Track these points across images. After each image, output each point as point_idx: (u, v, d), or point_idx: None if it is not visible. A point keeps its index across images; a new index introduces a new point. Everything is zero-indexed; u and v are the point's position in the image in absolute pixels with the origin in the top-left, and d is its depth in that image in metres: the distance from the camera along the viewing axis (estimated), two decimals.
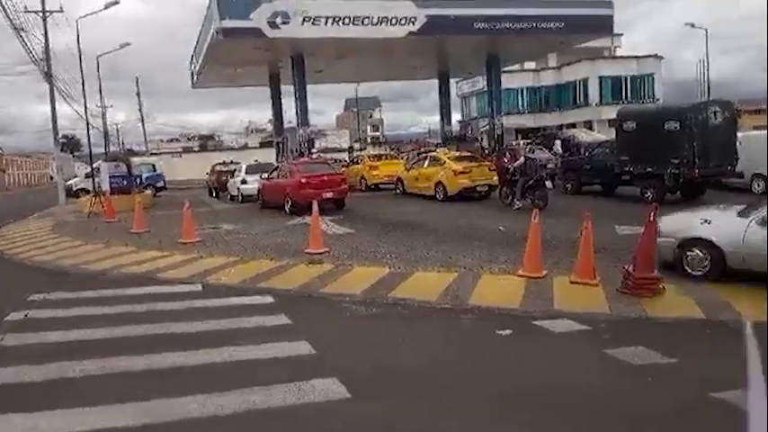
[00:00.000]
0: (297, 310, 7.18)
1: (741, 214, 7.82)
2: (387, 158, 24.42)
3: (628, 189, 18.17)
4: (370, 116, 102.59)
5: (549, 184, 15.97)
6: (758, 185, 17.70)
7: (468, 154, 20.54)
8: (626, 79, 43.94)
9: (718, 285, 7.46)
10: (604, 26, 26.65)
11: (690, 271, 7.85)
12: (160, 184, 29.14)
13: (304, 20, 22.17)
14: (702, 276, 7.72)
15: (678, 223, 8.37)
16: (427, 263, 9.39)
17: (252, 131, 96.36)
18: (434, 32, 24.01)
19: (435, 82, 34.25)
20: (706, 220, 8.03)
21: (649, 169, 16.26)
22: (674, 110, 15.85)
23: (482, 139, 30.06)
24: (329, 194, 16.67)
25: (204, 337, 6.14)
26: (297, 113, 26.37)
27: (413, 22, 23.51)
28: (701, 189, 16.42)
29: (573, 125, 42.94)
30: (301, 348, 5.65)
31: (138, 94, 52.69)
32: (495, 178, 18.03)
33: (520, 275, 8.26)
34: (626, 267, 7.40)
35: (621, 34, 48.87)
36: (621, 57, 45.41)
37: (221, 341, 5.91)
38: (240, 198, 21.49)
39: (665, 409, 4.26)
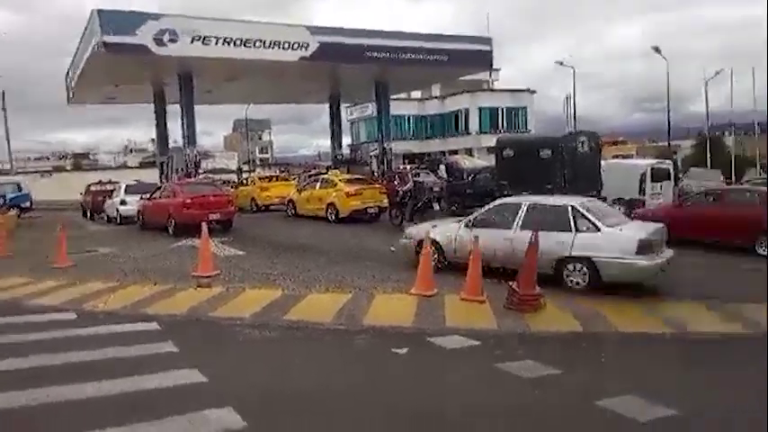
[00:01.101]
0: (185, 336, 6.85)
1: (461, 222, 10.60)
2: (278, 180, 24.11)
3: None
4: (260, 138, 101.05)
5: (436, 206, 16.60)
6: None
7: (360, 177, 20.85)
8: (502, 110, 46.92)
9: (594, 300, 8.14)
10: (484, 61, 28.42)
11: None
12: (26, 205, 26.59)
13: (193, 39, 21.54)
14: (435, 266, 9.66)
15: (417, 229, 11.29)
16: (320, 284, 9.37)
17: (131, 151, 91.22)
18: (326, 59, 24.31)
19: (326, 106, 34.56)
20: (434, 226, 11.02)
21: (525, 193, 17.38)
22: (547, 139, 17.18)
23: (372, 162, 30.64)
24: (216, 215, 16.12)
25: (84, 369, 5.66)
26: (183, 133, 25.39)
27: (305, 48, 23.66)
28: None
29: (455, 152, 45.04)
30: (193, 377, 5.37)
31: (3, 109, 47.93)
32: (386, 201, 18.45)
33: (412, 294, 8.48)
34: (511, 285, 7.85)
35: (499, 69, 52.13)
36: (498, 90, 48.46)
37: (104, 372, 5.47)
38: (119, 219, 20.16)
39: (555, 420, 4.54)
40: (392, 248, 13.01)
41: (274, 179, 24.48)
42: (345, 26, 25.31)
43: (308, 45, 23.76)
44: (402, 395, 5.08)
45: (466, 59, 27.67)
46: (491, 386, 5.31)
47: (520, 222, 9.47)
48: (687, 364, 6.03)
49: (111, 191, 22.35)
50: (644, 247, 8.47)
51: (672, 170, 20.15)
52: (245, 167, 57.11)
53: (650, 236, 8.78)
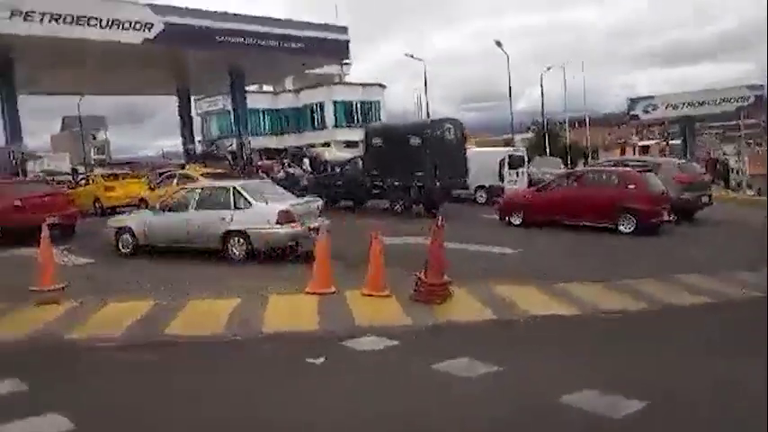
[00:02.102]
0: (35, 368, 5.38)
1: (152, 210, 11.89)
2: (125, 178, 21.45)
3: (377, 202, 19.12)
4: (94, 137, 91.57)
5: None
6: (481, 196, 20.18)
7: (220, 171, 19.29)
8: (356, 105, 46.99)
9: (496, 284, 7.92)
10: (341, 50, 27.82)
11: (121, 248, 11.35)
12: None
13: (12, 13, 18.30)
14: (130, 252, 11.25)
15: (116, 219, 12.43)
16: (199, 289, 8.13)
17: None
18: (173, 42, 22.10)
19: (168, 101, 31.85)
20: (130, 214, 12.76)
21: (397, 183, 17.21)
22: (416, 126, 17.13)
23: (230, 157, 28.76)
24: (53, 219, 13.62)
25: None
26: (5, 129, 21.71)
27: (149, 29, 21.27)
28: (438, 200, 17.92)
29: (312, 146, 44.30)
30: (56, 424, 4.08)
31: None
32: None
33: (309, 293, 7.65)
34: (417, 275, 7.33)
35: (350, 63, 52.20)
36: (352, 83, 48.39)
37: None
38: None
39: (532, 427, 4.02)
40: None
41: (121, 177, 21.75)
42: (193, 6, 23.28)
43: (151, 26, 21.37)
44: (348, 417, 4.19)
45: (323, 48, 26.78)
46: (441, 392, 4.62)
47: (195, 204, 10.72)
48: (623, 345, 5.85)
49: None
50: (283, 218, 9.90)
51: (526, 157, 21.27)
52: (81, 169, 51.22)
53: (292, 207, 10.27)
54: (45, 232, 8.51)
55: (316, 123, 46.40)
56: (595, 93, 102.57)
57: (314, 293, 7.62)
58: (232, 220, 10.11)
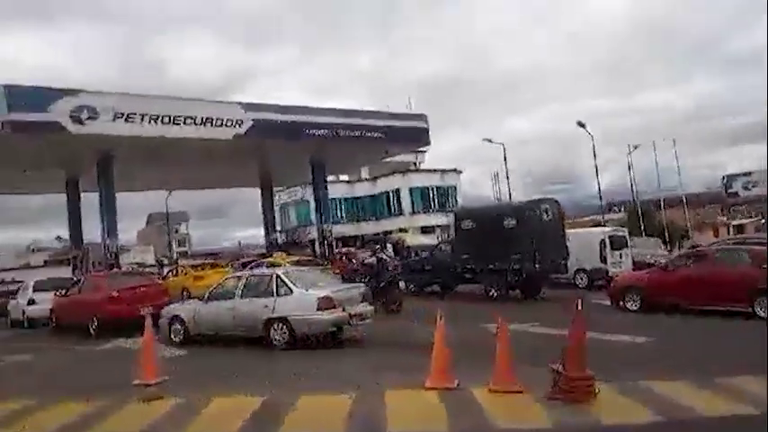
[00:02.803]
0: None
1: (201, 299, 11.71)
2: (212, 268, 21.72)
3: (466, 287, 18.24)
4: (176, 231, 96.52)
5: (402, 285, 15.13)
6: (581, 279, 18.85)
7: (308, 258, 19.13)
8: (432, 190, 46.99)
9: (642, 378, 6.80)
10: (421, 137, 28.22)
11: (172, 337, 11.54)
12: None
13: (116, 116, 19.65)
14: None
15: (170, 308, 12.38)
16: (307, 383, 7.46)
17: (33, 251, 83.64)
18: (261, 135, 23.00)
19: (242, 196, 33.03)
20: (181, 304, 12.78)
21: (491, 266, 16.34)
22: (510, 207, 16.44)
23: (313, 245, 28.98)
24: (149, 309, 13.65)
25: None
26: (103, 222, 22.80)
27: (239, 125, 22.33)
28: (538, 284, 16.83)
29: (389, 232, 44.28)
30: None
31: None
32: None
33: (429, 388, 6.81)
34: (555, 368, 6.38)
35: (425, 151, 53.02)
36: (428, 170, 48.74)
37: None
38: (26, 323, 17.01)
39: None
40: (365, 333, 11.44)
41: (207, 267, 22.08)
42: (279, 103, 24.35)
43: (241, 122, 22.46)
44: None
45: (403, 136, 27.32)
46: None
47: (240, 292, 10.90)
48: None
49: (16, 290, 19.16)
50: (324, 304, 9.95)
51: (628, 238, 19.94)
52: (165, 260, 53.39)
53: (333, 294, 10.30)
54: (148, 323, 8.23)
55: (392, 210, 46.53)
56: (675, 172, 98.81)
57: (434, 389, 6.77)
58: (275, 307, 10.25)
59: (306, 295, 10.24)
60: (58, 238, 72.46)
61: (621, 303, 13.45)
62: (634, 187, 37.86)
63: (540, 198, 17.58)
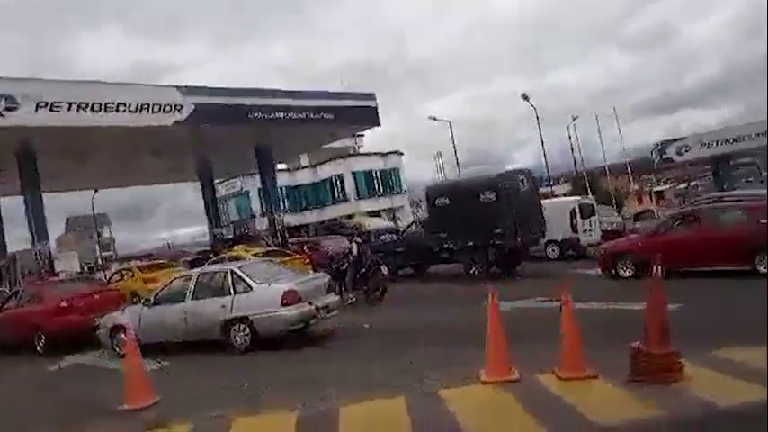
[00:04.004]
0: None
1: (145, 304, 10.29)
2: (161, 267, 19.83)
3: (439, 267, 17.54)
4: (99, 235, 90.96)
5: (384, 269, 14.14)
6: (552, 251, 18.52)
7: (273, 249, 17.75)
8: (376, 173, 46.12)
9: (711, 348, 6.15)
10: (371, 117, 26.99)
11: (117, 350, 9.94)
12: None
13: (38, 105, 17.27)
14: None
15: (107, 317, 10.69)
16: (340, 390, 6.35)
17: None
18: (203, 121, 21.12)
19: (166, 194, 30.85)
20: (122, 311, 10.78)
21: (471, 243, 15.62)
22: (487, 181, 15.67)
23: (268, 236, 27.29)
24: None
25: None
26: (30, 226, 20.29)
27: (179, 110, 20.31)
28: (517, 259, 16.30)
29: (334, 219, 43.11)
30: None
31: None
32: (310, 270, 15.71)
33: (488, 382, 5.88)
34: (635, 345, 5.60)
35: (363, 135, 51.90)
36: (370, 153, 47.71)
37: None
38: None
39: None
40: (365, 326, 10.45)
41: (156, 267, 20.15)
42: (220, 86, 22.50)
43: (181, 107, 20.41)
44: None
45: (353, 117, 26.00)
46: None
47: (191, 292, 9.75)
48: None
49: None
50: (289, 298, 8.97)
51: (595, 205, 19.79)
52: (93, 266, 49.81)
53: (297, 285, 9.29)
54: (131, 334, 6.82)
55: (336, 196, 45.29)
56: (597, 144, 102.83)
57: (494, 382, 5.86)
58: (233, 306, 9.24)
59: (267, 290, 9.27)
60: None
61: (613, 271, 13.06)
62: (579, 156, 38.36)
63: (514, 169, 17.01)
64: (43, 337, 11.83)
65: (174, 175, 32.65)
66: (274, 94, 23.47)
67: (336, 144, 39.02)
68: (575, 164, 38.84)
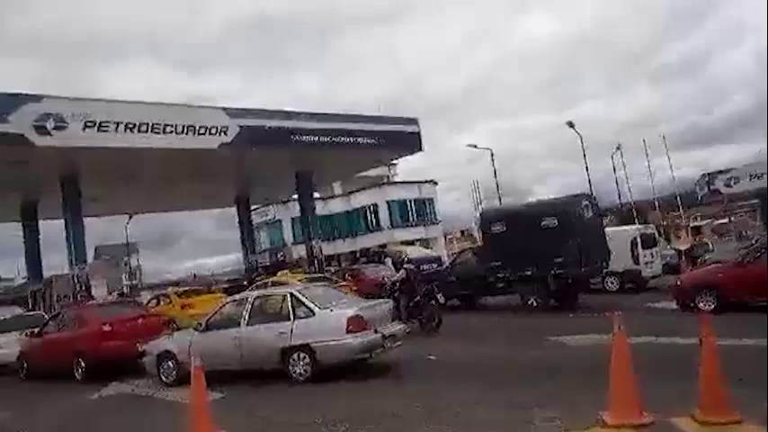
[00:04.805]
0: None
1: (196, 329, 9.67)
2: (199, 294, 19.24)
3: (491, 299, 16.64)
4: (126, 263, 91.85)
5: (440, 297, 13.32)
6: (611, 282, 17.45)
7: (320, 276, 17.08)
8: (411, 203, 45.38)
9: None
10: (413, 143, 26.48)
11: (163, 378, 9.68)
12: None
13: (86, 125, 17.10)
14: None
15: (154, 343, 10.19)
16: (436, 429, 5.51)
17: None
18: (249, 144, 20.80)
19: (190, 223, 30.53)
20: (169, 336, 10.59)
21: (529, 272, 14.71)
22: (548, 205, 14.84)
23: (304, 264, 26.71)
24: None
25: None
26: (70, 249, 20.03)
27: (224, 133, 20.07)
28: (577, 291, 15.31)
29: (368, 249, 42.44)
30: None
31: None
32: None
33: (615, 426, 5.00)
34: None
35: (396, 163, 51.46)
36: (405, 182, 47.11)
37: None
38: None
39: None
40: (431, 357, 9.63)
41: (192, 293, 19.60)
42: (266, 107, 22.28)
43: (227, 129, 20.18)
44: None
45: (397, 141, 25.52)
46: None
47: (246, 317, 9.09)
48: None
49: None
50: (354, 326, 8.22)
51: (657, 236, 18.74)
52: (122, 293, 49.63)
53: (362, 311, 8.56)
54: (198, 368, 6.07)
55: (370, 225, 44.61)
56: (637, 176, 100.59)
57: (620, 426, 4.97)
58: (293, 333, 8.50)
59: (330, 315, 8.53)
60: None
61: (691, 304, 12.01)
62: (627, 188, 37.21)
63: (579, 194, 16.07)
64: (83, 364, 11.22)
65: (210, 201, 32.49)
66: (317, 117, 23.15)
67: (370, 173, 38.74)
68: (618, 195, 37.61)
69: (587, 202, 14.79)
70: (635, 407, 5.09)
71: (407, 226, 43.89)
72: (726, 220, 49.28)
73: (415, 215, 44.77)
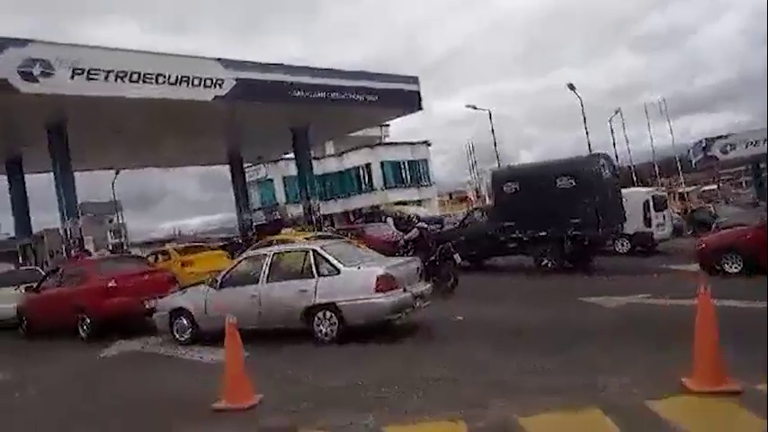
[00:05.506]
0: None
1: (212, 285, 9.13)
2: (200, 250, 18.58)
3: (501, 259, 16.25)
4: (110, 221, 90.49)
5: (457, 257, 12.85)
6: (622, 245, 17.14)
7: (321, 234, 16.53)
8: (404, 164, 44.72)
9: None
10: (413, 102, 25.66)
11: (177, 336, 9.19)
12: None
13: (75, 72, 16.05)
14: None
15: (166, 299, 9.83)
16: (496, 392, 5.05)
17: None
18: (245, 98, 19.85)
19: (173, 183, 29.61)
20: (183, 292, 10.09)
21: (544, 233, 14.28)
22: (567, 164, 14.32)
23: (302, 223, 26.09)
24: (155, 303, 10.82)
25: None
26: (60, 203, 19.13)
27: (220, 85, 19.07)
28: (591, 253, 14.94)
29: (360, 209, 42.00)
30: None
31: None
32: None
33: (701, 393, 4.58)
34: None
35: (389, 124, 50.48)
36: (398, 143, 46.28)
37: None
38: None
39: None
40: (459, 318, 9.21)
41: (192, 250, 18.88)
42: (264, 61, 21.25)
43: (222, 82, 19.16)
44: None
45: (397, 100, 24.66)
46: None
47: (265, 274, 8.60)
48: None
49: None
50: (384, 284, 7.78)
51: (668, 198, 18.40)
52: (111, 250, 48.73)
53: (392, 269, 8.16)
54: (233, 325, 5.52)
55: (363, 186, 43.93)
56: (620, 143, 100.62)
57: (710, 393, 4.56)
58: (317, 291, 8.02)
59: (358, 274, 8.07)
60: None
61: (716, 266, 11.69)
62: (628, 150, 36.88)
63: (596, 153, 15.57)
64: (88, 321, 10.63)
65: (202, 157, 31.39)
66: (315, 72, 22.14)
67: (360, 133, 37.85)
68: (616, 158, 37.18)
69: (605, 162, 14.31)
70: (721, 373, 4.67)
71: (401, 187, 43.35)
72: (714, 187, 49.46)
73: (408, 176, 44.20)
